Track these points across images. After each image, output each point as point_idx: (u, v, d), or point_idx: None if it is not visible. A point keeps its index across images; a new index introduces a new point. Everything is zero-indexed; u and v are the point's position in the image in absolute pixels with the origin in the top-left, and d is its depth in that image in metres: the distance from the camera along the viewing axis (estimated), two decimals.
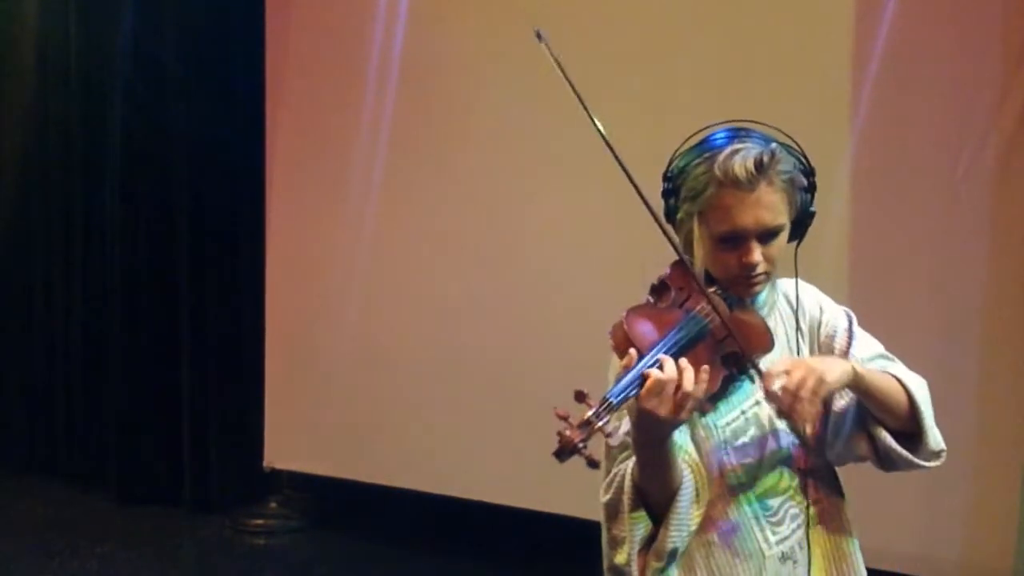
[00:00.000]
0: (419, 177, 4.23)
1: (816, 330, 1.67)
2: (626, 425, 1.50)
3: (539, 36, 1.58)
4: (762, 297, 1.65)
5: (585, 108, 1.55)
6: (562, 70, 1.57)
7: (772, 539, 1.60)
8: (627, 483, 1.53)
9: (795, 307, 1.66)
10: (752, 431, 1.60)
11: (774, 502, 1.60)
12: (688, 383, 1.40)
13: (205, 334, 4.76)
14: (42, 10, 5.20)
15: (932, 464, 1.62)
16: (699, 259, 1.61)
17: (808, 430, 1.56)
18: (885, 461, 1.61)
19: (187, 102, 4.68)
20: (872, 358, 1.65)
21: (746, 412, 1.60)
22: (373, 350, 4.36)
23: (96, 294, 5.08)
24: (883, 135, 3.31)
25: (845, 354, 1.63)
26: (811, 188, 1.61)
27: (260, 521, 4.65)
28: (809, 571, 1.60)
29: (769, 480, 1.60)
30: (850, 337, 1.66)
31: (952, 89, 3.20)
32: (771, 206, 1.54)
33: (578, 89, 1.60)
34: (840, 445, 1.61)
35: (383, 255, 4.35)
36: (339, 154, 4.41)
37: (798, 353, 1.63)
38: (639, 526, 1.53)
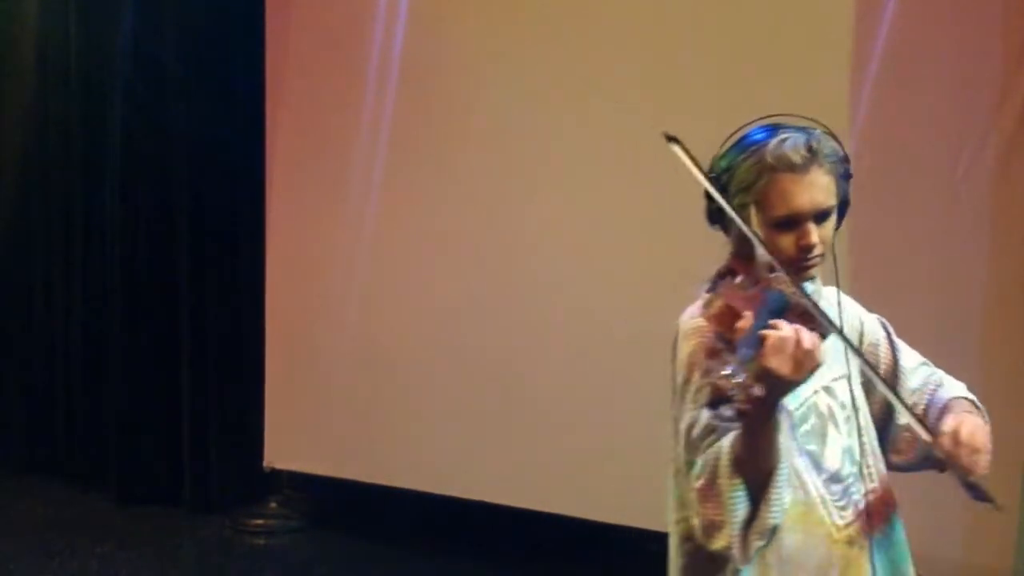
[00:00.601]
0: (419, 177, 4.23)
1: (859, 339, 1.75)
2: (708, 411, 1.52)
3: (672, 140, 1.60)
4: (809, 288, 1.69)
5: (730, 209, 1.59)
6: (703, 173, 1.60)
7: (840, 523, 1.64)
8: (723, 464, 1.52)
9: (838, 297, 1.73)
10: (813, 419, 1.65)
11: (839, 488, 1.65)
12: (807, 340, 1.41)
13: (205, 334, 4.76)
14: (42, 10, 5.19)
15: None
16: (758, 246, 1.63)
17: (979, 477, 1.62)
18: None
19: (187, 102, 4.67)
20: (916, 367, 1.77)
21: (807, 400, 1.65)
22: (373, 350, 4.36)
23: (96, 294, 5.07)
24: (883, 135, 3.31)
25: (893, 366, 1.75)
26: (849, 175, 1.67)
27: (260, 521, 4.65)
28: (872, 557, 1.65)
29: (831, 466, 1.65)
30: (893, 348, 1.77)
31: (952, 89, 3.20)
32: (824, 187, 1.61)
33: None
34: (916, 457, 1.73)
35: (383, 255, 4.35)
36: (339, 154, 4.41)
37: (845, 351, 1.67)
38: (739, 505, 1.51)
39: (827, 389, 1.68)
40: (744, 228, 1.58)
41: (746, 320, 1.46)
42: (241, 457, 4.73)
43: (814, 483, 1.64)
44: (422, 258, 4.25)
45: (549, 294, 3.93)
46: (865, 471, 1.68)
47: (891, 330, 1.78)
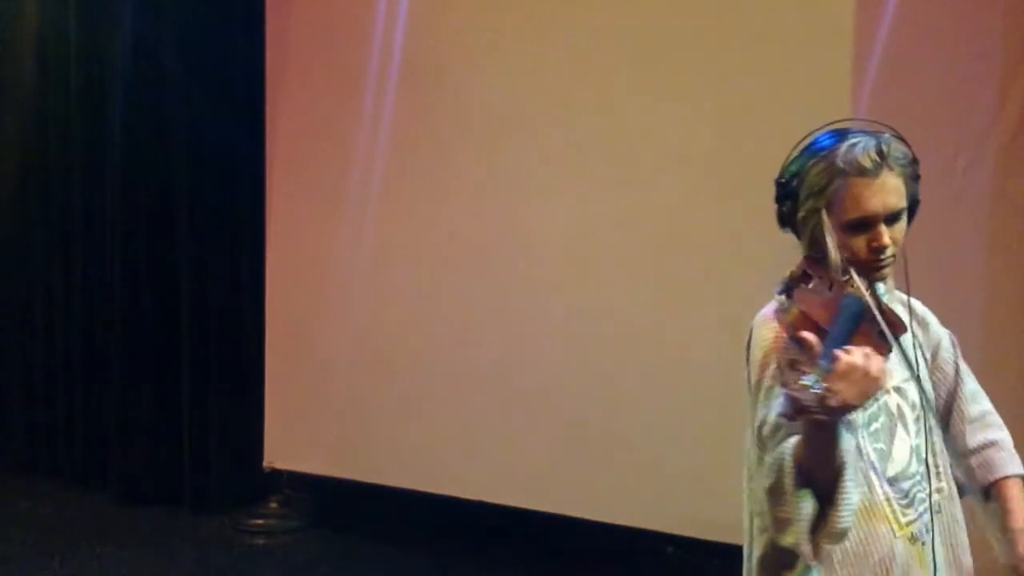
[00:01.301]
0: (419, 177, 4.23)
1: (935, 352, 1.83)
2: (776, 407, 1.56)
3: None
4: (889, 292, 1.76)
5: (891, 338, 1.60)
6: (877, 305, 1.61)
7: (903, 520, 1.68)
8: (787, 463, 1.55)
9: (907, 298, 1.77)
10: (883, 418, 1.69)
11: (904, 485, 1.69)
12: (875, 370, 1.44)
13: (205, 334, 4.76)
14: (42, 10, 5.20)
15: None
16: (831, 250, 1.68)
17: None
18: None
19: (187, 102, 4.68)
20: (974, 395, 1.85)
21: (878, 399, 1.67)
22: (373, 350, 4.36)
23: (96, 294, 5.07)
24: None
25: (954, 388, 1.82)
26: (917, 176, 1.72)
27: (260, 521, 4.65)
28: (934, 556, 1.69)
29: (899, 464, 1.69)
30: (958, 371, 1.83)
31: (952, 89, 3.20)
32: (895, 190, 1.66)
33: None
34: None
35: (383, 255, 4.35)
36: (339, 154, 4.41)
37: (915, 352, 1.74)
38: (805, 505, 1.54)
39: (898, 390, 1.72)
40: (831, 244, 1.64)
41: (820, 334, 1.48)
42: (241, 457, 4.74)
43: (879, 481, 1.67)
44: (422, 258, 4.25)
45: (549, 294, 3.93)
46: (933, 469, 1.72)
47: (959, 350, 1.85)
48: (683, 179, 3.51)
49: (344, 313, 4.44)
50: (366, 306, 4.39)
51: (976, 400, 1.85)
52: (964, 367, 1.85)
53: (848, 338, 1.50)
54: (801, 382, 1.40)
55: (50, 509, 4.87)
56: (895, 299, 1.78)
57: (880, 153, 1.65)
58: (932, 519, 1.70)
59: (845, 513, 1.53)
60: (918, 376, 1.68)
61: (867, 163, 1.64)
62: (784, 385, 1.41)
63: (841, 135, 1.68)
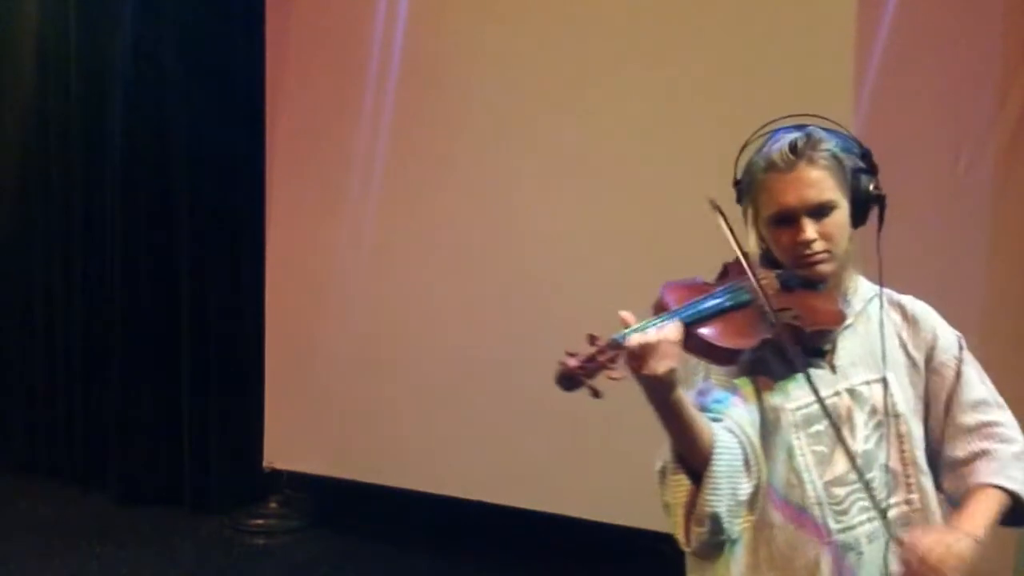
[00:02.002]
0: (419, 177, 4.23)
1: (926, 354, 1.73)
2: (690, 397, 1.56)
3: (715, 207, 1.65)
4: (846, 290, 1.72)
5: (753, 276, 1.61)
6: (738, 245, 1.63)
7: (833, 527, 1.62)
8: (669, 449, 1.59)
9: (880, 289, 1.75)
10: (827, 421, 1.62)
11: (840, 491, 1.62)
12: (652, 336, 1.46)
13: (205, 334, 4.76)
14: (42, 10, 5.20)
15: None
16: (763, 248, 1.70)
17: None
18: None
19: (187, 102, 4.68)
20: (976, 404, 1.71)
21: (827, 400, 1.62)
22: (373, 350, 4.36)
23: (96, 294, 5.07)
24: (883, 135, 3.30)
25: (950, 394, 1.71)
26: (869, 169, 1.70)
27: (260, 521, 4.65)
28: (886, 567, 1.61)
29: (838, 469, 1.62)
30: (958, 376, 1.73)
31: (952, 89, 3.20)
32: (814, 183, 1.63)
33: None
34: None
35: (383, 255, 4.35)
36: (339, 154, 4.41)
37: (884, 351, 1.68)
38: (680, 490, 1.57)
39: (851, 391, 1.66)
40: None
41: (625, 315, 1.52)
42: (241, 457, 4.74)
43: (813, 483, 1.62)
44: (422, 258, 4.25)
45: (549, 294, 3.93)
46: (902, 480, 1.65)
47: (966, 355, 1.76)
48: (684, 179, 3.50)
49: (344, 313, 4.43)
50: (366, 306, 4.39)
51: (977, 409, 1.72)
52: (971, 373, 1.74)
53: (711, 316, 1.53)
54: (588, 351, 1.45)
55: (50, 509, 4.87)
56: (865, 295, 1.74)
57: (793, 148, 1.63)
58: (891, 534, 1.60)
59: (712, 498, 1.53)
60: (808, 377, 1.59)
61: (777, 158, 1.64)
62: (571, 355, 1.46)
63: (783, 132, 1.69)
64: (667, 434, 1.56)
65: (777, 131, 1.70)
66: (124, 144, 4.85)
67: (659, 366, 1.45)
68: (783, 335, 1.57)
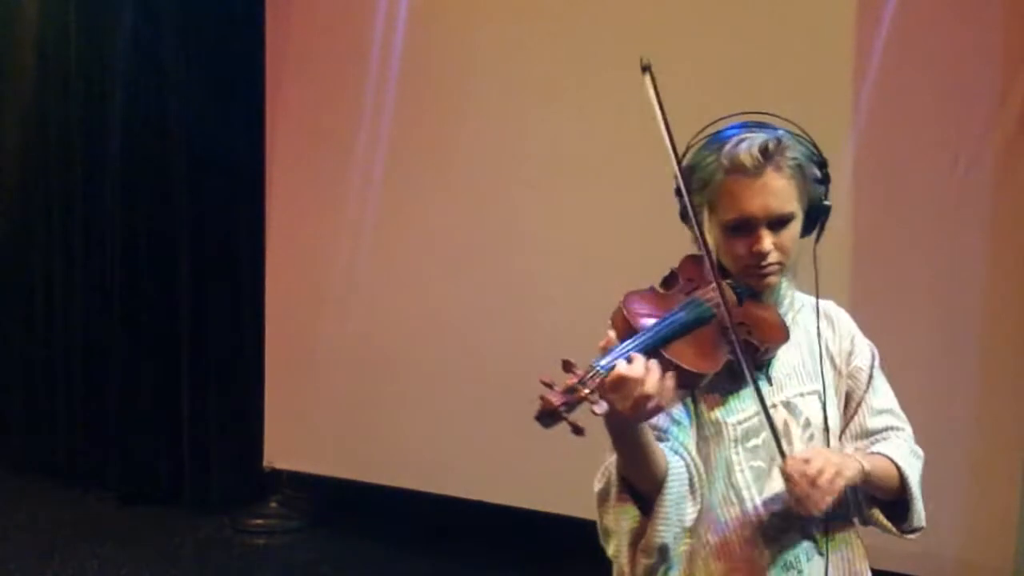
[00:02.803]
0: (419, 177, 4.23)
1: (845, 359, 1.69)
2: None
3: (645, 69, 1.58)
4: (782, 301, 1.65)
5: (675, 154, 1.57)
6: (662, 111, 1.56)
7: (775, 546, 1.57)
8: (614, 472, 1.49)
9: (816, 308, 1.65)
10: (764, 434, 1.55)
11: (779, 508, 1.56)
12: (651, 386, 1.33)
13: (205, 334, 4.76)
14: (42, 10, 5.20)
15: (910, 538, 1.67)
16: (712, 251, 1.59)
17: (816, 515, 1.50)
18: (867, 523, 1.67)
19: (187, 102, 4.68)
20: (881, 412, 1.68)
21: (759, 414, 1.55)
22: (373, 350, 4.36)
23: (96, 294, 5.07)
24: (884, 135, 3.31)
25: (860, 399, 1.67)
26: (824, 179, 1.60)
27: (260, 521, 4.65)
28: None
29: (777, 485, 1.55)
30: (869, 382, 1.68)
31: (952, 89, 3.20)
32: (778, 192, 1.53)
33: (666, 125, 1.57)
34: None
35: (383, 255, 4.35)
36: (339, 154, 4.41)
37: (821, 368, 1.63)
38: (625, 518, 1.48)
39: (787, 404, 1.61)
40: (700, 244, 1.53)
41: (608, 339, 1.40)
42: (241, 457, 4.74)
43: (752, 499, 1.57)
44: (422, 258, 4.25)
45: (549, 293, 3.93)
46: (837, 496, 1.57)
47: (877, 364, 1.70)
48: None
49: (344, 313, 4.43)
50: (366, 306, 4.39)
51: (883, 415, 1.68)
52: (881, 383, 1.70)
53: (663, 341, 1.40)
54: (568, 383, 1.30)
55: (50, 509, 4.87)
56: (798, 305, 1.67)
57: (765, 152, 1.52)
58: (826, 547, 1.57)
59: (663, 528, 1.45)
60: (760, 394, 1.53)
61: (747, 161, 1.51)
62: (546, 385, 1.30)
63: (740, 128, 1.57)
64: (620, 458, 1.45)
65: (733, 127, 1.58)
66: (124, 144, 4.84)
67: (649, 404, 1.33)
68: (743, 355, 1.48)
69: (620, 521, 1.48)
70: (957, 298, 3.24)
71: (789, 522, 1.56)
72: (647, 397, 1.32)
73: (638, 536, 1.48)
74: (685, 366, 1.40)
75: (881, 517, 1.64)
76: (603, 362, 1.33)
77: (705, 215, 1.59)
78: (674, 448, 1.51)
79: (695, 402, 1.57)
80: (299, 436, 4.61)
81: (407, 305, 4.29)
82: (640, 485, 1.47)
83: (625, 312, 1.48)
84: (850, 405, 1.69)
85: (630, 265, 3.72)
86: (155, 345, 4.87)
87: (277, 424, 4.66)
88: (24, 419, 5.42)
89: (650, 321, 1.45)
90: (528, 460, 3.97)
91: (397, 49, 4.25)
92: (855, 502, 1.64)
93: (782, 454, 1.51)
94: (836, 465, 1.47)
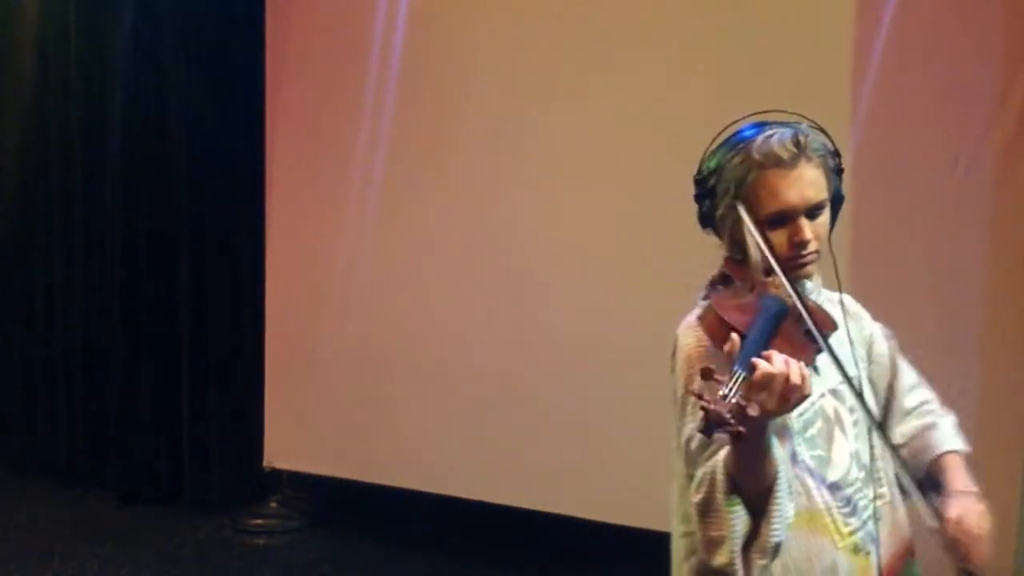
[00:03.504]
0: (419, 177, 4.23)
1: (868, 348, 1.74)
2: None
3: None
4: (819, 292, 1.70)
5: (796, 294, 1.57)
6: (803, 304, 1.56)
7: (844, 530, 1.61)
8: (720, 479, 1.49)
9: (840, 296, 1.71)
10: (820, 423, 1.61)
11: (847, 492, 1.61)
12: (796, 376, 1.38)
13: (205, 334, 4.76)
14: (42, 10, 5.20)
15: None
16: (751, 248, 1.62)
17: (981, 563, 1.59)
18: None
19: (187, 102, 4.68)
20: (913, 388, 1.76)
21: (814, 404, 1.60)
22: (373, 350, 4.36)
23: (96, 294, 5.07)
24: (882, 135, 3.31)
25: (891, 382, 1.74)
26: (839, 169, 1.66)
27: (260, 521, 4.65)
28: (879, 566, 1.62)
29: (840, 470, 1.61)
30: (894, 365, 1.76)
31: (952, 89, 3.20)
32: (813, 181, 1.59)
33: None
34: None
35: (383, 255, 4.35)
36: (339, 154, 4.41)
37: (853, 355, 1.67)
38: (738, 522, 1.48)
39: (834, 392, 1.65)
40: (757, 237, 1.56)
41: (733, 343, 1.43)
42: (241, 457, 4.73)
43: (819, 489, 1.60)
44: (422, 258, 4.25)
45: (548, 294, 3.93)
46: (875, 475, 1.65)
47: (895, 343, 1.78)
48: (682, 179, 3.50)
49: (344, 313, 4.43)
50: (366, 306, 4.39)
51: (914, 392, 1.77)
52: (901, 361, 1.77)
53: (768, 341, 1.45)
54: (719, 393, 1.33)
55: (50, 509, 4.86)
56: (824, 297, 1.71)
57: (797, 143, 1.57)
58: (876, 527, 1.62)
59: (778, 527, 1.47)
60: (849, 378, 1.58)
61: (783, 154, 1.56)
62: (699, 397, 1.33)
63: (759, 127, 1.61)
64: (741, 462, 1.46)
65: (750, 127, 1.62)
66: (124, 144, 4.84)
67: (795, 395, 1.39)
68: (824, 343, 1.54)
69: (733, 525, 1.47)
70: (957, 298, 3.23)
71: (854, 505, 1.62)
72: (794, 388, 1.38)
73: (752, 539, 1.48)
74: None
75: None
76: (743, 366, 1.38)
77: (741, 212, 1.61)
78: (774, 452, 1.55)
79: None
80: (299, 436, 4.61)
81: (407, 305, 4.29)
82: (750, 489, 1.48)
83: (727, 317, 1.51)
84: (879, 390, 1.74)
85: (630, 265, 3.74)
86: (155, 345, 4.87)
87: (277, 424, 4.66)
88: (24, 419, 5.42)
89: (746, 322, 1.49)
90: (528, 460, 3.97)
91: (397, 49, 4.25)
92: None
93: (881, 429, 1.60)
94: (982, 510, 1.60)
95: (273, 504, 4.74)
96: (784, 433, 1.58)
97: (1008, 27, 3.13)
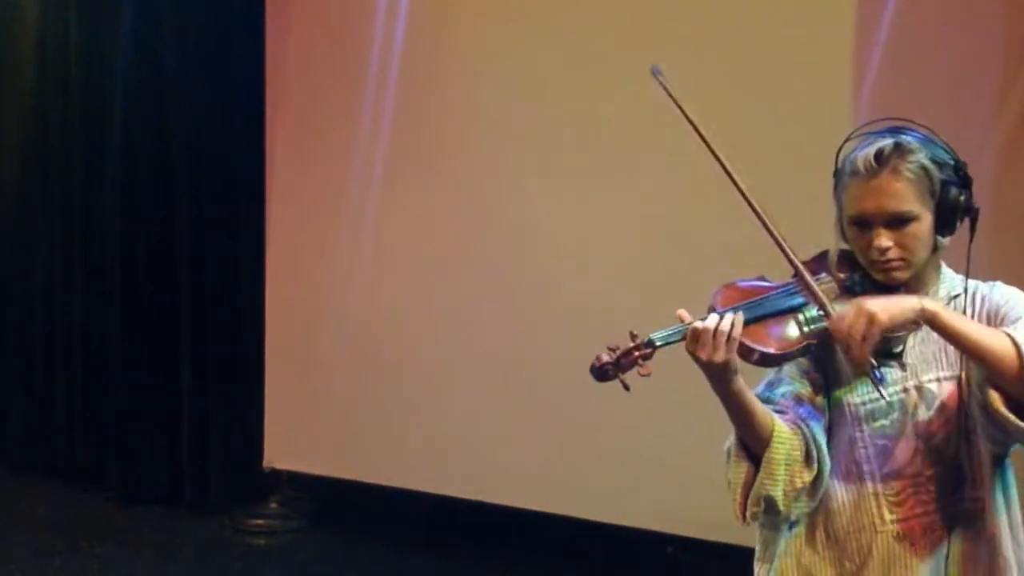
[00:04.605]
0: (419, 177, 4.23)
1: (995, 312, 1.72)
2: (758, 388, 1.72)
3: (655, 73, 1.76)
4: (930, 294, 1.73)
5: (709, 148, 1.76)
6: (681, 109, 1.76)
7: (888, 517, 1.70)
8: (735, 433, 1.70)
9: (964, 301, 1.73)
10: (895, 415, 1.70)
11: (897, 484, 1.70)
12: (724, 324, 1.59)
13: (205, 334, 4.76)
14: (42, 10, 5.20)
15: None
16: (836, 243, 1.76)
17: (863, 368, 1.64)
18: (999, 430, 1.63)
19: (187, 102, 4.67)
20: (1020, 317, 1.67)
21: (892, 396, 1.69)
22: (373, 350, 4.36)
23: (96, 294, 5.07)
24: None
25: (1010, 321, 1.66)
26: (963, 182, 1.70)
27: (260, 521, 4.65)
28: (946, 564, 1.68)
29: (898, 463, 1.70)
30: (1008, 309, 1.69)
31: (952, 89, 3.20)
32: (894, 193, 1.66)
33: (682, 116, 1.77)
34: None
35: (383, 255, 4.35)
36: (339, 154, 4.41)
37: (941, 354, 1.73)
38: (740, 471, 1.68)
39: (918, 388, 1.71)
40: (762, 217, 1.70)
41: (682, 313, 1.65)
42: (241, 457, 4.73)
43: (872, 474, 1.71)
44: (422, 258, 4.25)
45: (549, 293, 3.93)
46: (968, 476, 1.69)
47: (1001, 286, 1.76)
48: (683, 178, 3.50)
49: (344, 313, 4.43)
50: (366, 306, 4.39)
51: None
52: (1013, 294, 1.72)
53: (762, 316, 1.64)
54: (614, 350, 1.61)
55: (50, 509, 4.86)
56: (946, 297, 1.74)
57: (878, 157, 1.66)
58: (952, 528, 1.68)
59: (767, 481, 1.64)
60: (877, 384, 1.64)
61: (860, 166, 1.67)
62: (611, 350, 1.63)
63: (876, 135, 1.72)
64: (731, 418, 1.67)
65: (873, 133, 1.73)
66: (124, 144, 4.84)
67: (715, 355, 1.58)
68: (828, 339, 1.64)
69: (736, 473, 1.69)
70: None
71: (907, 496, 1.70)
72: (719, 334, 1.58)
73: (749, 487, 1.67)
74: (747, 341, 1.61)
75: (999, 404, 1.60)
76: (658, 334, 1.64)
77: (835, 212, 1.75)
78: (793, 421, 1.68)
79: (827, 389, 1.74)
80: (299, 436, 4.61)
81: (407, 305, 4.29)
82: (752, 445, 1.67)
83: (717, 295, 1.70)
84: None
85: (631, 264, 3.74)
86: (155, 345, 4.87)
87: (277, 424, 4.66)
88: (24, 419, 5.42)
89: (732, 300, 1.67)
90: (528, 460, 3.98)
91: (397, 49, 4.25)
92: (973, 393, 1.66)
93: (961, 432, 1.66)
94: (868, 312, 1.56)
95: (273, 504, 4.74)
96: (840, 419, 1.72)
97: (1008, 27, 3.13)
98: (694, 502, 3.48)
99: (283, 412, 4.65)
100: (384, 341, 4.34)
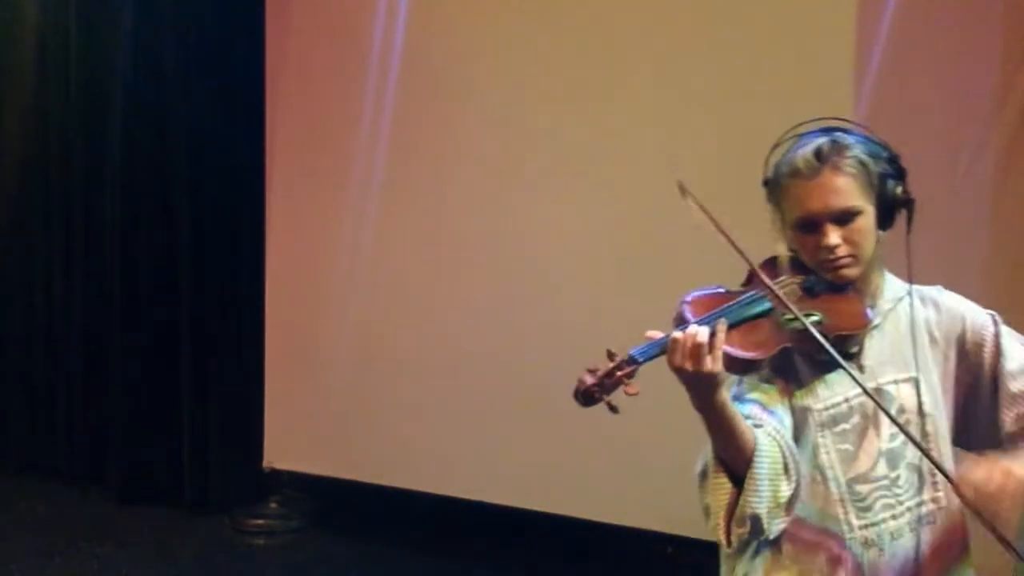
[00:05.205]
0: (419, 177, 4.23)
1: (956, 341, 1.74)
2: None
3: (682, 189, 1.69)
4: (874, 291, 1.73)
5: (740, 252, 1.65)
6: (716, 224, 1.65)
7: (855, 523, 1.66)
8: (710, 454, 1.61)
9: (910, 292, 1.74)
10: (855, 419, 1.67)
11: (863, 488, 1.66)
12: (701, 335, 1.50)
13: (205, 334, 4.76)
14: (42, 10, 5.20)
15: None
16: (785, 249, 1.73)
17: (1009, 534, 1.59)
18: None
19: (187, 102, 4.67)
20: (1020, 371, 1.72)
21: (850, 400, 1.67)
22: (373, 350, 4.36)
23: (96, 294, 5.07)
24: (882, 135, 3.30)
25: (994, 366, 1.72)
26: (897, 174, 1.70)
27: (260, 521, 4.65)
28: (918, 561, 1.65)
29: (862, 467, 1.67)
30: (998, 349, 1.73)
31: (952, 89, 3.20)
32: (838, 190, 1.65)
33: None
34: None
35: (383, 255, 4.35)
36: (339, 154, 4.41)
37: (915, 353, 1.69)
38: (721, 492, 1.59)
39: (877, 391, 1.67)
40: (727, 235, 1.62)
41: (652, 334, 1.57)
42: (241, 457, 4.73)
43: (836, 480, 1.67)
44: (422, 258, 4.25)
45: (549, 293, 3.93)
46: (927, 478, 1.68)
47: (1002, 329, 1.76)
48: (684, 179, 3.51)
49: (344, 313, 4.44)
50: (366, 306, 4.39)
51: (1019, 378, 1.72)
52: (1010, 344, 1.74)
53: (736, 324, 1.58)
54: (595, 371, 1.51)
55: (50, 509, 4.86)
56: (892, 294, 1.75)
57: (818, 154, 1.65)
58: (918, 531, 1.66)
59: (753, 499, 1.56)
60: (866, 388, 1.61)
61: (801, 164, 1.65)
62: (591, 372, 1.52)
63: (808, 136, 1.69)
64: (710, 436, 1.58)
65: (805, 135, 1.71)
66: (124, 144, 4.84)
67: (702, 365, 1.49)
68: (803, 341, 1.60)
69: (717, 495, 1.59)
70: None
71: (873, 501, 1.67)
72: (697, 345, 1.49)
73: (733, 508, 1.59)
74: (734, 353, 1.55)
75: None
76: (638, 350, 1.54)
77: (778, 218, 1.72)
78: (770, 433, 1.62)
79: (788, 389, 1.69)
80: (299, 436, 4.61)
81: (407, 306, 4.29)
82: (733, 462, 1.58)
83: (681, 307, 1.63)
84: (983, 379, 1.73)
85: (631, 265, 3.74)
86: (155, 345, 4.87)
87: (277, 424, 4.66)
88: (24, 419, 5.42)
89: (702, 311, 1.61)
90: (528, 460, 3.98)
91: (397, 49, 4.25)
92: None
93: (895, 421, 1.61)
94: (1003, 469, 1.54)
95: (273, 504, 4.74)
96: (804, 424, 1.67)
97: (1008, 27, 3.13)
98: (694, 502, 3.48)
99: (283, 412, 4.65)
100: (384, 341, 4.34)
